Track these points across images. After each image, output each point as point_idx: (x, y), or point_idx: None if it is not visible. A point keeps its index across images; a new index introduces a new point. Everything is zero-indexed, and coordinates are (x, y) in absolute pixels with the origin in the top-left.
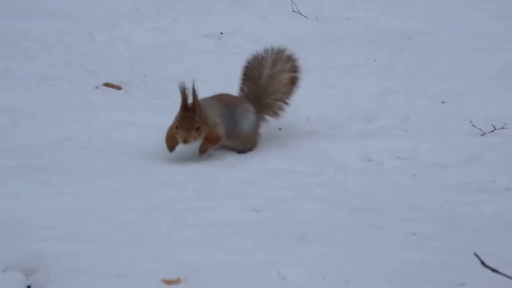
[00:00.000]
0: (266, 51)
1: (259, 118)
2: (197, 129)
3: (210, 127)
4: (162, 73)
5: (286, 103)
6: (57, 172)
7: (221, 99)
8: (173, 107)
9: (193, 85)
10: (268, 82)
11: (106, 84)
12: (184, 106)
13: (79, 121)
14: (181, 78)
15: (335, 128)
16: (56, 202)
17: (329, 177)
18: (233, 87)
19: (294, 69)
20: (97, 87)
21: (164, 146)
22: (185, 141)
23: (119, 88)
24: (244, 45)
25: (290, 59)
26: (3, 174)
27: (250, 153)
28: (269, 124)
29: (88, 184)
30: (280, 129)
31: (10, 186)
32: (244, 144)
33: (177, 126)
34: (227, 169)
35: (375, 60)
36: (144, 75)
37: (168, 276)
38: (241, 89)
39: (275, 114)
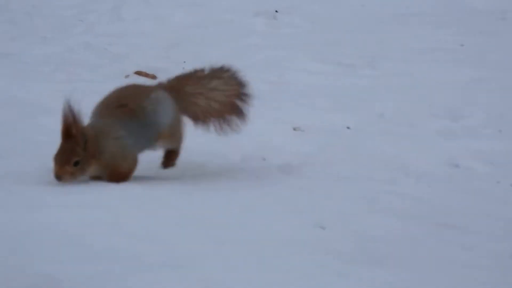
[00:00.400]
0: (201, 70)
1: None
2: (76, 163)
3: (110, 162)
4: (205, 58)
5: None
6: None
7: (123, 108)
8: None
9: (73, 108)
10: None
11: (138, 73)
12: (65, 134)
13: None
14: (226, 62)
15: (414, 126)
16: (75, 213)
17: (408, 186)
18: (288, 76)
19: (239, 95)
20: (127, 76)
21: None
22: (58, 178)
23: (153, 77)
24: (302, 25)
25: (235, 81)
26: (9, 178)
27: (309, 156)
28: (335, 123)
29: (112, 191)
30: (348, 128)
31: (18, 193)
32: (169, 142)
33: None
34: (283, 175)
35: (462, 45)
36: (184, 62)
37: None
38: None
39: (199, 117)
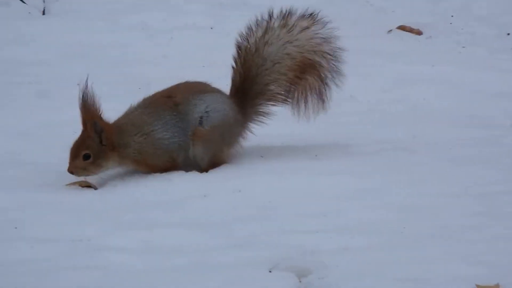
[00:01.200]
0: (269, 16)
1: (241, 120)
2: (86, 157)
3: (137, 158)
4: (474, 12)
5: (284, 97)
6: (325, 146)
7: (172, 96)
8: (486, 58)
9: (87, 92)
10: (253, 59)
11: (402, 27)
12: (84, 121)
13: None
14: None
15: None
16: (328, 181)
17: None
18: None
19: (313, 47)
20: (389, 31)
21: None
22: (71, 173)
23: (418, 32)
24: None
25: (306, 27)
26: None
27: None
28: None
29: (368, 159)
30: None
31: (261, 162)
32: (203, 146)
33: None
34: None
35: None
36: (452, 16)
37: (482, 282)
38: (232, 81)
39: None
